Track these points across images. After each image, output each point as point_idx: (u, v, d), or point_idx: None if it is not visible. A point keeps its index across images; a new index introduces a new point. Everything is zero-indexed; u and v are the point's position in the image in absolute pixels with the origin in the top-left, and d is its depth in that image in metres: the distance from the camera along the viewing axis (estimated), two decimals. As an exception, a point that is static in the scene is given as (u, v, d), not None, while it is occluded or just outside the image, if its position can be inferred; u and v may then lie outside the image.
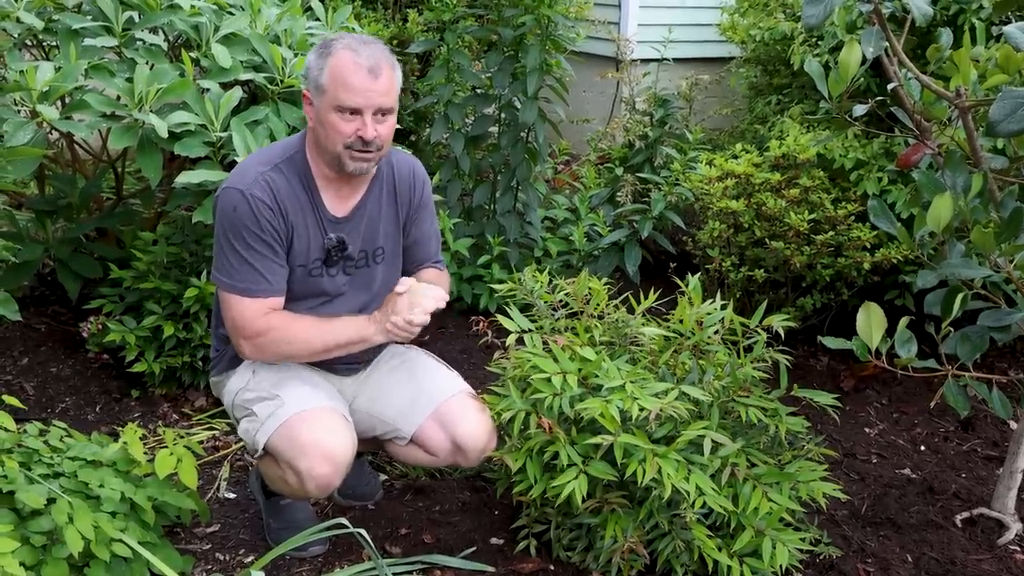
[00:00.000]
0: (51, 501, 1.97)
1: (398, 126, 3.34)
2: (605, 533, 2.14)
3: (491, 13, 3.85)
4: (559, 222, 4.30)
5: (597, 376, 2.14)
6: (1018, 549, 2.48)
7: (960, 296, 2.09)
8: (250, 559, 2.35)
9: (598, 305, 2.42)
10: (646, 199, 4.07)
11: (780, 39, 3.82)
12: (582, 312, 2.43)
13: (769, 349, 2.30)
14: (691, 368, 2.25)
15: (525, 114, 3.74)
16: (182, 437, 2.46)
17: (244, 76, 2.81)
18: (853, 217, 3.27)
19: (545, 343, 2.28)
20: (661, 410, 2.03)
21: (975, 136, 2.07)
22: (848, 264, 3.27)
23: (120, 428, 2.74)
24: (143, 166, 2.66)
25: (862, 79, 2.57)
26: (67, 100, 2.73)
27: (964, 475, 2.86)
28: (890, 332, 2.07)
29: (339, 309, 2.23)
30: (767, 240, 3.32)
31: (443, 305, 2.19)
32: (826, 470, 2.25)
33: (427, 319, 2.15)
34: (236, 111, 2.77)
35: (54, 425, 2.26)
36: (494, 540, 2.44)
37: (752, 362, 2.28)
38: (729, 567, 2.11)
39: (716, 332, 2.31)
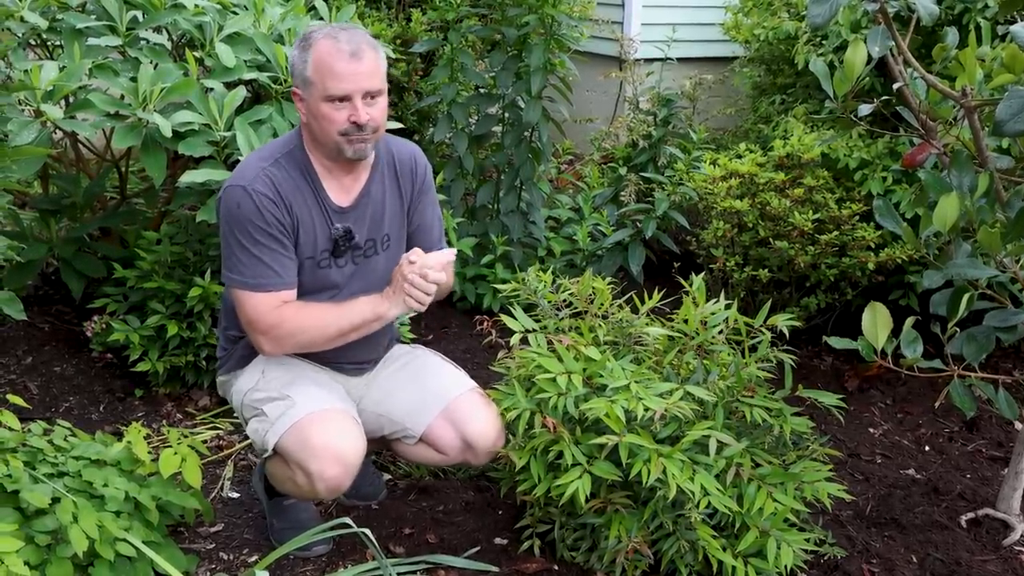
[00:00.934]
0: (55, 500, 1.97)
1: (401, 125, 3.36)
2: (609, 533, 2.14)
3: (495, 12, 3.85)
4: (563, 222, 4.30)
5: (601, 376, 2.14)
6: (1023, 550, 2.47)
7: (966, 296, 2.09)
8: (254, 559, 2.35)
9: (602, 305, 2.42)
10: (650, 199, 4.06)
11: (784, 39, 3.81)
12: (586, 312, 2.43)
13: (773, 349, 2.29)
14: (695, 368, 2.25)
15: (529, 114, 3.74)
16: (186, 436, 2.46)
17: (248, 75, 2.81)
18: (857, 217, 3.26)
19: (549, 343, 2.27)
20: (666, 410, 2.03)
21: (981, 135, 2.06)
22: (852, 264, 3.26)
23: (124, 427, 2.74)
24: (147, 165, 2.66)
25: (867, 78, 2.56)
26: (71, 99, 2.73)
27: (969, 476, 2.85)
28: (895, 332, 2.06)
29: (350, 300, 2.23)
30: (771, 240, 3.31)
31: (452, 259, 2.18)
32: (831, 470, 2.25)
33: (442, 276, 2.13)
34: (240, 110, 2.77)
35: (58, 424, 2.27)
36: (498, 540, 2.43)
37: (756, 362, 2.28)
38: (734, 567, 2.10)
39: (720, 332, 2.31)
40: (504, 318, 2.36)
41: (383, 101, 2.11)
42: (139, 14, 2.82)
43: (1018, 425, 3.08)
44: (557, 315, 2.44)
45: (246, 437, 2.53)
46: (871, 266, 3.24)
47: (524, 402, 2.18)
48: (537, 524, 2.34)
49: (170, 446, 2.26)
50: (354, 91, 2.03)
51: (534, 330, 2.34)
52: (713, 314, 2.32)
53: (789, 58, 3.80)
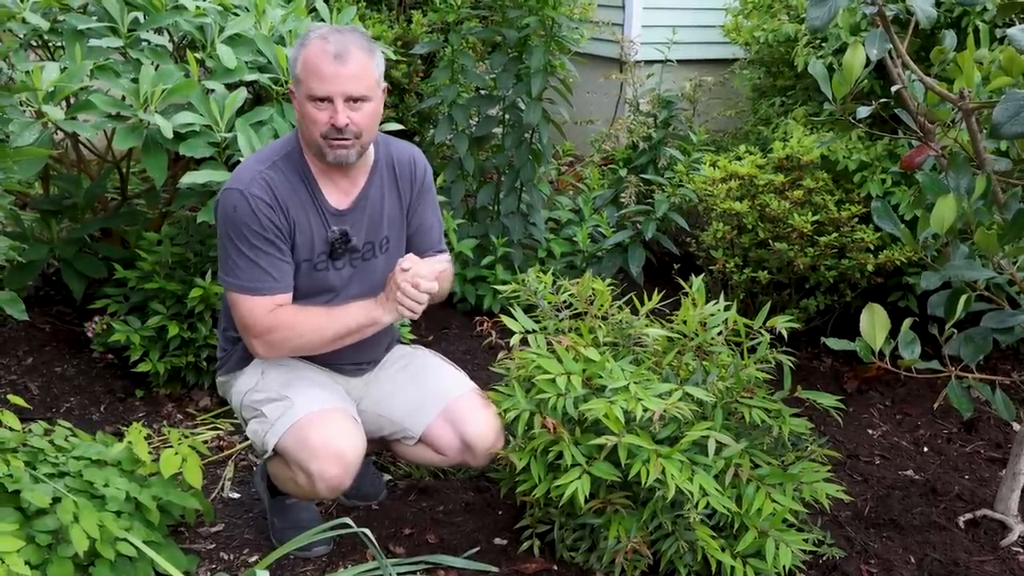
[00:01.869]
0: (56, 500, 1.97)
1: (402, 127, 3.36)
2: (609, 533, 2.15)
3: (495, 14, 3.85)
4: (563, 223, 4.31)
5: (601, 377, 2.15)
6: (1021, 551, 2.48)
7: (964, 298, 2.09)
8: (254, 559, 2.35)
9: (602, 306, 2.43)
10: (650, 200, 4.07)
11: (784, 41, 3.82)
12: (586, 313, 2.43)
13: (772, 350, 2.30)
14: (695, 369, 2.26)
15: (529, 115, 3.74)
16: (187, 437, 2.47)
17: (249, 77, 2.82)
18: (856, 219, 3.27)
19: (549, 344, 2.28)
20: (665, 411, 2.03)
21: (979, 138, 2.07)
22: (851, 266, 3.27)
23: (125, 428, 2.74)
24: (148, 166, 2.67)
25: (866, 81, 2.57)
26: (72, 100, 2.74)
27: (967, 476, 2.86)
28: (893, 334, 2.07)
29: (347, 303, 2.23)
30: (771, 241, 3.32)
31: (446, 268, 2.20)
32: (829, 471, 2.26)
33: (435, 286, 2.12)
34: (241, 112, 2.78)
35: (59, 425, 2.27)
36: (498, 540, 2.44)
37: (756, 363, 2.28)
38: (732, 568, 2.11)
39: (720, 333, 2.32)
40: (504, 319, 2.36)
41: (370, 107, 2.08)
42: (140, 15, 2.82)
43: (1016, 426, 3.08)
44: (557, 316, 2.44)
45: (246, 437, 2.54)
46: (870, 268, 3.24)
47: (524, 403, 2.18)
48: (537, 524, 2.34)
49: (171, 446, 2.27)
50: (335, 93, 2.03)
51: (534, 331, 2.34)
52: (712, 315, 2.32)
53: (789, 60, 3.81)
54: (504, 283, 3.62)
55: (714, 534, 2.14)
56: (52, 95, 2.55)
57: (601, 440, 2.04)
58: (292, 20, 3.07)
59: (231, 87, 2.79)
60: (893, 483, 2.79)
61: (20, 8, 2.65)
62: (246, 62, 2.84)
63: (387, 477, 2.70)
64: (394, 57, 3.87)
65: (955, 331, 2.14)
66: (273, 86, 2.88)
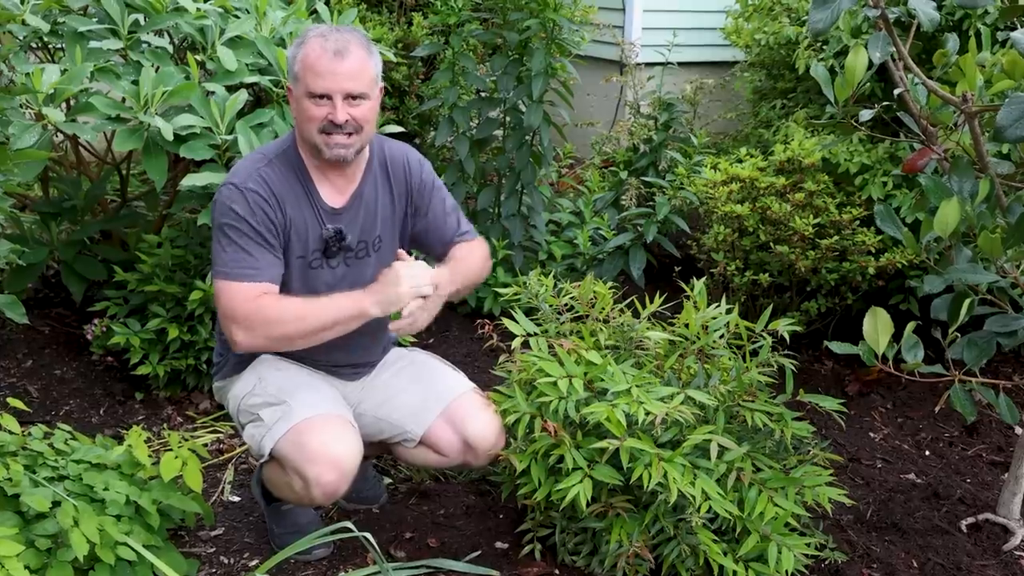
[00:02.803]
0: (56, 504, 1.97)
1: (403, 129, 3.35)
2: (610, 537, 2.14)
3: (496, 17, 3.85)
4: (563, 226, 4.30)
5: (603, 380, 2.14)
6: (1023, 555, 2.48)
7: (967, 301, 2.09)
8: (254, 562, 2.34)
9: (603, 309, 2.42)
10: (650, 203, 4.06)
11: (785, 43, 3.82)
12: (587, 316, 2.43)
13: (774, 353, 2.29)
14: (696, 372, 2.25)
15: (530, 117, 3.74)
16: (187, 440, 2.46)
17: (249, 79, 2.82)
18: (858, 221, 3.27)
19: (550, 347, 2.27)
20: (667, 414, 2.02)
21: (981, 141, 2.07)
22: (853, 268, 3.26)
23: (124, 431, 2.74)
24: (148, 168, 2.67)
25: (868, 84, 2.57)
26: (73, 102, 2.74)
27: (969, 480, 2.85)
28: (895, 337, 2.06)
29: None
30: (772, 244, 3.31)
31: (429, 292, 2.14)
32: (831, 475, 2.25)
33: (428, 289, 2.12)
34: (241, 114, 2.78)
35: (58, 428, 2.26)
36: (499, 544, 2.43)
37: (757, 366, 2.28)
38: (735, 572, 2.10)
39: (721, 336, 2.31)
40: (505, 322, 2.36)
41: (368, 105, 2.09)
42: (141, 17, 2.82)
43: (1018, 430, 3.08)
44: (558, 319, 2.44)
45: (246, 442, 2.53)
46: (872, 271, 3.24)
47: (525, 406, 2.18)
48: (538, 528, 2.34)
49: (171, 449, 2.26)
50: (334, 90, 2.04)
51: (535, 334, 2.34)
52: (714, 318, 2.32)
53: (790, 63, 3.81)
54: (505, 286, 3.62)
55: (716, 538, 2.13)
56: (52, 97, 2.54)
57: (603, 444, 2.04)
58: (293, 22, 3.06)
59: (232, 89, 2.78)
60: (895, 487, 2.78)
61: (20, 10, 2.65)
62: (247, 64, 2.84)
63: (387, 481, 2.70)
64: (395, 59, 3.87)
65: (958, 335, 2.13)
66: (274, 88, 2.87)
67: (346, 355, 2.31)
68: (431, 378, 2.36)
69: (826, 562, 2.35)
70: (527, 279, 2.49)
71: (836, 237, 3.24)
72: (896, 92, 2.17)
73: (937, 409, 2.90)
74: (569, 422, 2.16)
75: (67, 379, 3.17)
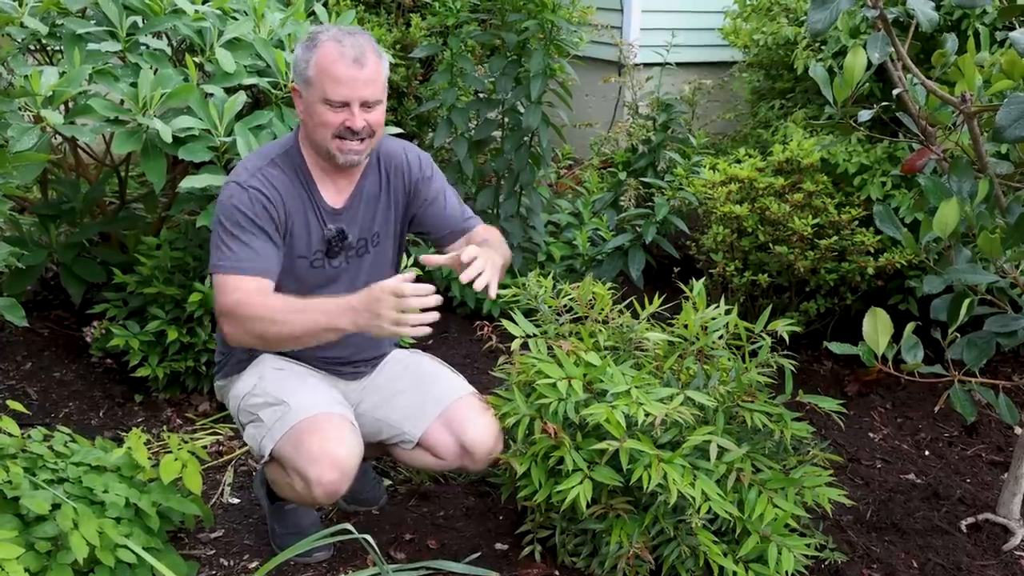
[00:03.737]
0: (56, 507, 1.96)
1: (401, 130, 3.35)
2: (610, 538, 2.14)
3: (494, 18, 3.85)
4: (562, 227, 4.30)
5: (602, 381, 2.14)
6: (1023, 555, 2.48)
7: (966, 302, 2.09)
8: (254, 564, 2.34)
9: (602, 310, 2.42)
10: (649, 204, 4.06)
11: (783, 44, 3.82)
12: (586, 317, 2.43)
13: (774, 354, 2.30)
14: (696, 373, 2.25)
15: (528, 118, 3.74)
16: (186, 442, 2.46)
17: (248, 81, 2.81)
18: (857, 222, 3.27)
19: (550, 348, 2.27)
20: (666, 415, 2.03)
21: (981, 141, 2.07)
22: (852, 269, 3.26)
23: (124, 433, 2.74)
24: (147, 170, 2.67)
25: (866, 84, 2.57)
26: (71, 105, 2.73)
27: (969, 480, 2.85)
28: (895, 337, 2.06)
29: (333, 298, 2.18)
30: (771, 245, 3.31)
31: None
32: (831, 475, 2.25)
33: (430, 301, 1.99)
34: (240, 116, 2.77)
35: (58, 430, 2.26)
36: (499, 545, 2.43)
37: (757, 367, 2.28)
38: (735, 573, 2.10)
39: (720, 337, 2.31)
40: (505, 323, 2.36)
41: (381, 108, 2.12)
42: (139, 19, 2.81)
43: (1018, 430, 3.08)
44: (557, 320, 2.44)
45: (246, 442, 2.53)
46: (871, 271, 3.24)
47: (524, 407, 2.17)
48: (538, 529, 2.34)
49: (170, 451, 2.26)
50: (352, 98, 2.05)
51: (534, 335, 2.34)
52: (713, 319, 2.32)
53: (788, 63, 3.81)
54: (504, 287, 3.61)
55: (716, 539, 2.13)
56: (51, 99, 2.54)
57: (602, 445, 2.04)
58: (291, 24, 3.06)
59: (230, 91, 2.78)
60: (895, 487, 2.78)
61: (19, 12, 2.65)
62: (245, 66, 2.84)
63: (387, 482, 2.70)
64: (393, 60, 3.87)
65: (958, 335, 2.13)
66: (272, 90, 2.87)
67: (346, 355, 2.32)
68: (430, 380, 2.36)
69: (826, 563, 2.35)
70: (526, 280, 2.48)
71: (835, 237, 3.25)
72: (895, 92, 2.17)
73: (937, 409, 2.90)
74: (569, 423, 2.16)
75: (66, 381, 3.16)
